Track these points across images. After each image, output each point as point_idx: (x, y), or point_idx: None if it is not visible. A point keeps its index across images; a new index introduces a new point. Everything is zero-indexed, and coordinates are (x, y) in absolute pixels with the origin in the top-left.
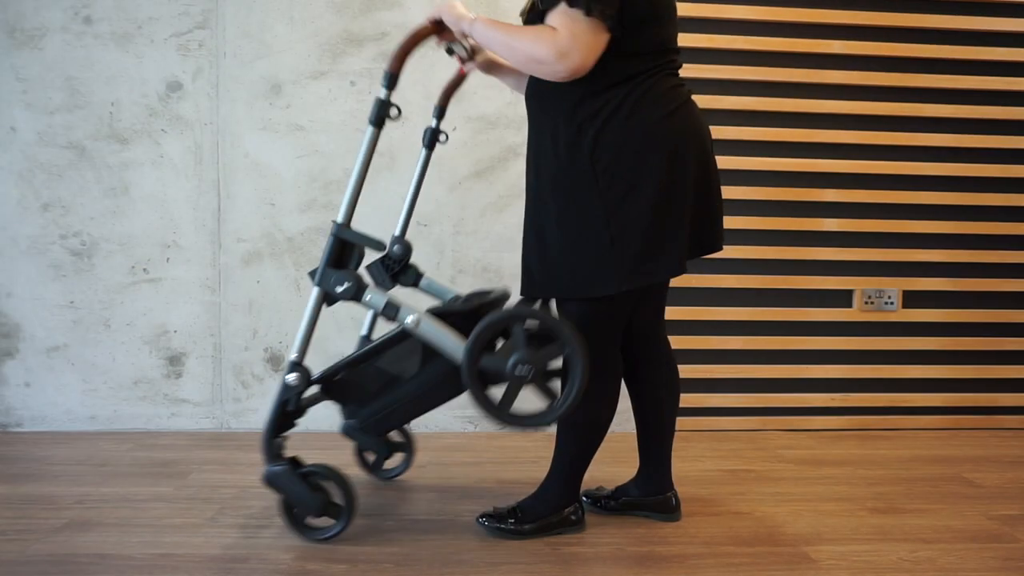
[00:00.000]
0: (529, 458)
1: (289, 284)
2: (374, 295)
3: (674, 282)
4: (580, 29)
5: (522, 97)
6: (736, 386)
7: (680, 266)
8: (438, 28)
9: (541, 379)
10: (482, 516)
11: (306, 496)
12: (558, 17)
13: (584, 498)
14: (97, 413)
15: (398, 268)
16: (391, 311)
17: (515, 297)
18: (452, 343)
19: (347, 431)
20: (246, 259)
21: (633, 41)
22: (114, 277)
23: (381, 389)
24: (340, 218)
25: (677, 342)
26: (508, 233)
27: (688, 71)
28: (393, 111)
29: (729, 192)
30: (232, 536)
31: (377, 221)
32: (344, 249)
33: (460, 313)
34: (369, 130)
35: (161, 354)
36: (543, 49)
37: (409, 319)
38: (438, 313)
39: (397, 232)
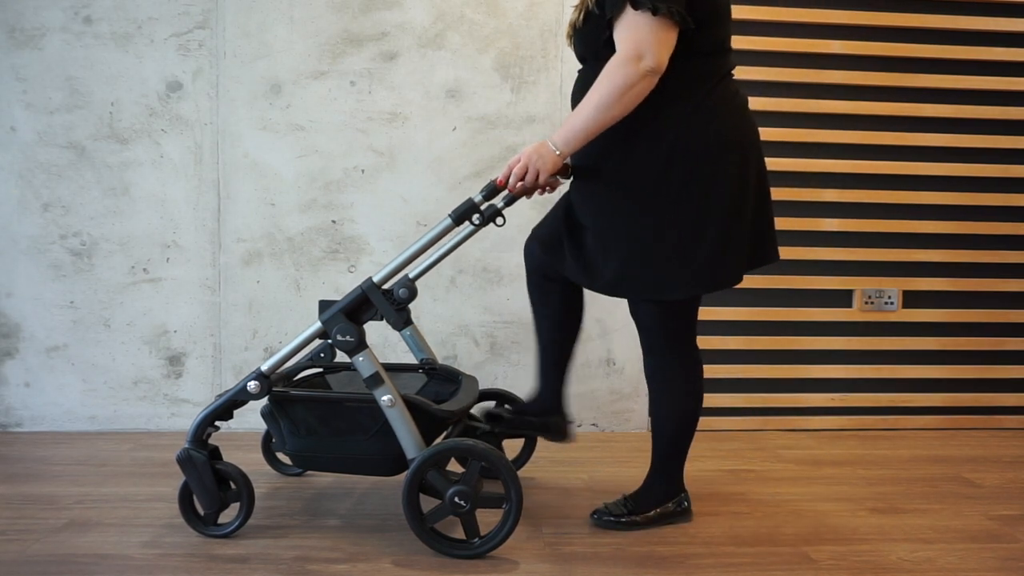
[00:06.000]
0: (533, 460)
1: (289, 284)
2: (365, 360)
3: None
4: (649, 28)
5: (522, 98)
6: (736, 386)
7: (742, 274)
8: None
9: (470, 515)
10: (595, 512)
11: (211, 489)
12: (625, 23)
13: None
14: (97, 413)
15: (396, 308)
16: (373, 382)
17: (483, 385)
18: (412, 441)
19: None
20: (246, 259)
21: (698, 40)
22: (114, 277)
23: (325, 433)
24: (376, 277)
25: None
26: (508, 233)
27: None
28: (476, 217)
29: None
30: (231, 536)
31: (376, 220)
32: (363, 306)
33: (433, 416)
34: (446, 222)
35: (161, 354)
36: (620, 72)
37: (385, 398)
38: (411, 403)
39: (412, 275)
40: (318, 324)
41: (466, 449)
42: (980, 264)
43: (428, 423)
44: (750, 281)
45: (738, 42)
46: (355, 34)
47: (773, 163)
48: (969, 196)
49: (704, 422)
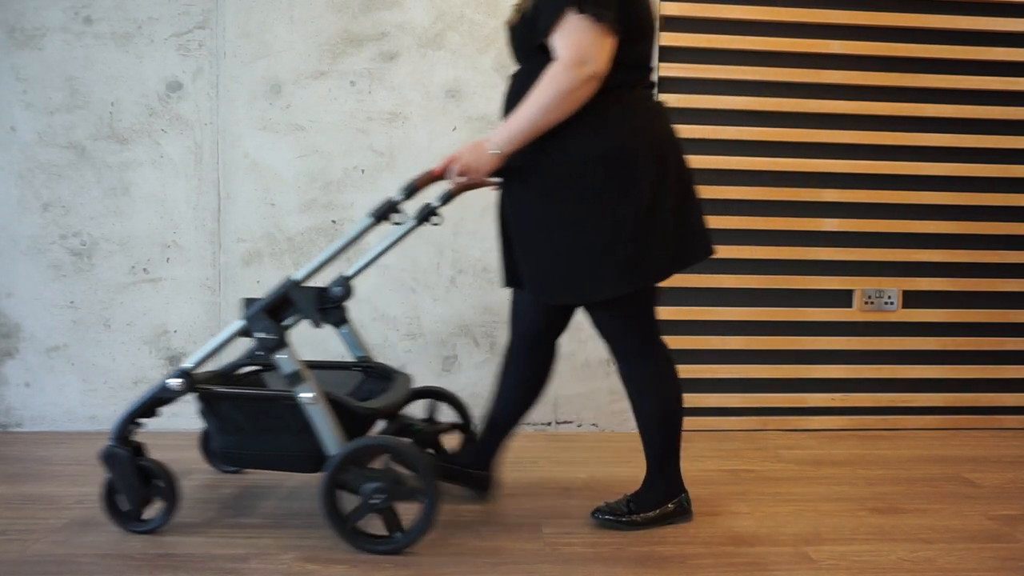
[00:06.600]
0: (529, 458)
1: None
2: (286, 358)
3: (675, 282)
4: (593, 34)
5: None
6: (736, 386)
7: (673, 268)
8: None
9: (390, 511)
10: (595, 511)
11: (134, 486)
12: (568, 28)
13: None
14: (97, 413)
15: (330, 306)
16: (295, 380)
17: (418, 383)
18: (332, 438)
19: None
20: (246, 259)
21: (621, 53)
22: (114, 277)
23: (251, 430)
24: (298, 276)
25: (677, 342)
26: None
27: (687, 71)
28: (397, 217)
29: (729, 192)
30: (232, 536)
31: None
32: (285, 304)
33: (354, 413)
34: (366, 221)
35: (161, 354)
36: (562, 77)
37: (306, 396)
38: (335, 400)
39: (349, 272)
40: (241, 322)
41: (383, 445)
42: (980, 264)
43: (351, 420)
44: (750, 281)
45: (738, 42)
46: (355, 34)
47: (773, 163)
48: (969, 196)
49: (704, 422)
